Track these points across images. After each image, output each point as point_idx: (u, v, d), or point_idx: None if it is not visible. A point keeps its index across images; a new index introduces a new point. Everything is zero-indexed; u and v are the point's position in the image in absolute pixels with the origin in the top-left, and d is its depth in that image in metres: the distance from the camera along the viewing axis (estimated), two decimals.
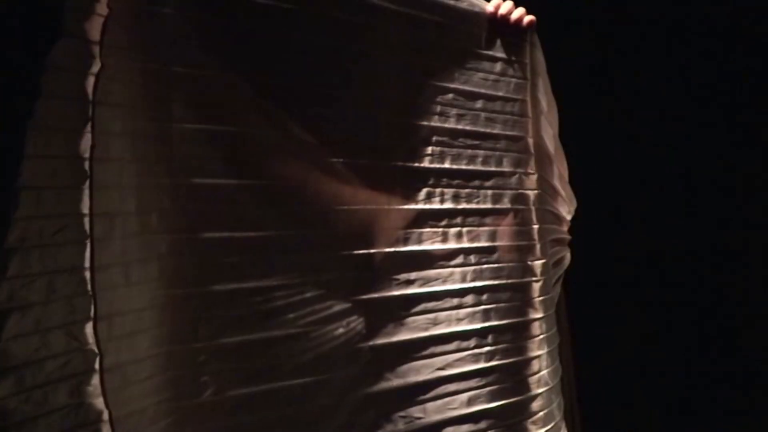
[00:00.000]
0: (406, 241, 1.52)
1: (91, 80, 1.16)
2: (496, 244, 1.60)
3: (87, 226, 1.17)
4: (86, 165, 1.17)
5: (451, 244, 1.56)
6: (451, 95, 1.55)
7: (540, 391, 1.62)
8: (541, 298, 1.65)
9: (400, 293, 1.50)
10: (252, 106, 1.35)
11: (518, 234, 1.63)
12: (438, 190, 1.54)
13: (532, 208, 1.64)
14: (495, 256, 1.59)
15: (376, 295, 1.48)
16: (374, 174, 1.48)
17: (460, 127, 1.56)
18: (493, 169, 1.60)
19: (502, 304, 1.59)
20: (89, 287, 1.16)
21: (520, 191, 1.63)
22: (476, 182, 1.58)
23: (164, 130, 1.26)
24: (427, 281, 1.54)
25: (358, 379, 1.46)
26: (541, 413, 1.62)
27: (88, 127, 1.17)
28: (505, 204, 1.61)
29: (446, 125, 1.55)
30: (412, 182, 1.52)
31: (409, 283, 1.52)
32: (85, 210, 1.17)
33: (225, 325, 1.32)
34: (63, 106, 1.16)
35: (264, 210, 1.36)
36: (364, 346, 1.47)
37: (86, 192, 1.17)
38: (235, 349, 1.32)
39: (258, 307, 1.35)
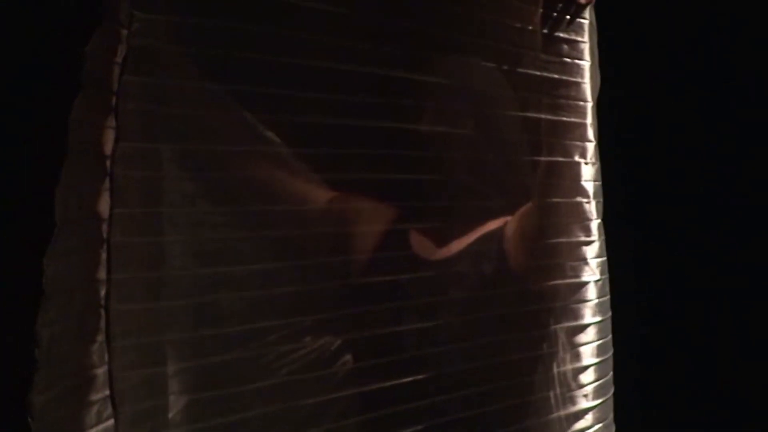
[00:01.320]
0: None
1: None
2: (561, 240, 1.47)
3: None
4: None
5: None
6: (519, 80, 1.43)
7: None
8: (598, 300, 1.53)
9: (465, 295, 1.41)
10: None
11: (578, 229, 1.50)
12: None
13: (593, 201, 1.51)
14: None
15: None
16: None
17: (527, 114, 1.44)
18: (555, 158, 1.46)
19: (559, 304, 1.48)
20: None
21: (586, 182, 1.49)
22: (542, 174, 1.45)
23: None
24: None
25: None
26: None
27: None
28: (572, 196, 1.48)
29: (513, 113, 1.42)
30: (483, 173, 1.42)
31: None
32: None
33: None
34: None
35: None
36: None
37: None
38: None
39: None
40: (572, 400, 1.48)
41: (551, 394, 1.45)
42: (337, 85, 1.20)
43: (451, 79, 1.37)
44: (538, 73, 1.44)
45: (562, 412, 1.46)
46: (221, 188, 1.23)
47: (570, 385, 1.47)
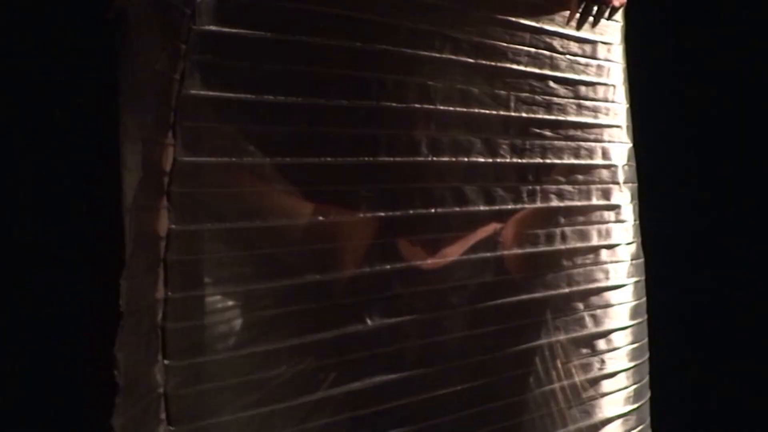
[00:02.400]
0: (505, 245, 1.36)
1: None
2: (600, 243, 1.46)
3: None
4: None
5: (556, 246, 1.41)
6: (544, 83, 1.40)
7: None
8: (637, 302, 1.53)
9: (514, 299, 1.37)
10: None
11: (619, 231, 1.49)
12: (536, 187, 1.39)
13: (631, 204, 1.51)
14: (598, 257, 1.46)
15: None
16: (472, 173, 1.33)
17: (566, 118, 1.41)
18: (594, 162, 1.46)
19: (617, 306, 1.48)
20: None
21: (622, 184, 1.49)
22: (577, 178, 1.43)
23: None
24: (532, 288, 1.41)
25: None
26: None
27: None
28: (609, 199, 1.48)
29: (538, 116, 1.39)
30: (507, 179, 1.37)
31: (509, 289, 1.38)
32: None
33: None
34: None
35: None
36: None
37: None
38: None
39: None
40: (592, 409, 1.46)
41: (554, 408, 1.43)
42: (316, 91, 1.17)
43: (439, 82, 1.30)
44: (575, 76, 1.43)
45: (582, 424, 1.45)
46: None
47: (581, 395, 1.45)
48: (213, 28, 1.06)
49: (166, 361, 1.05)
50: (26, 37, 1.95)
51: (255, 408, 1.13)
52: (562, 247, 1.42)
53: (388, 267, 1.23)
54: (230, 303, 1.13)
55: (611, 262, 1.49)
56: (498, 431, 1.36)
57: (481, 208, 1.33)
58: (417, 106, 1.24)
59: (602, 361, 1.47)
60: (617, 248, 1.50)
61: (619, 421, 1.49)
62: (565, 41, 1.42)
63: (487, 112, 1.32)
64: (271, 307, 1.14)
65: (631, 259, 1.51)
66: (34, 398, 2.01)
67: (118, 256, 1.71)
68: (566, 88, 1.42)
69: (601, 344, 1.47)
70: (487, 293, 1.35)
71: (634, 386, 1.52)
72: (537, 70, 1.38)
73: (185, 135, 1.05)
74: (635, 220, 1.53)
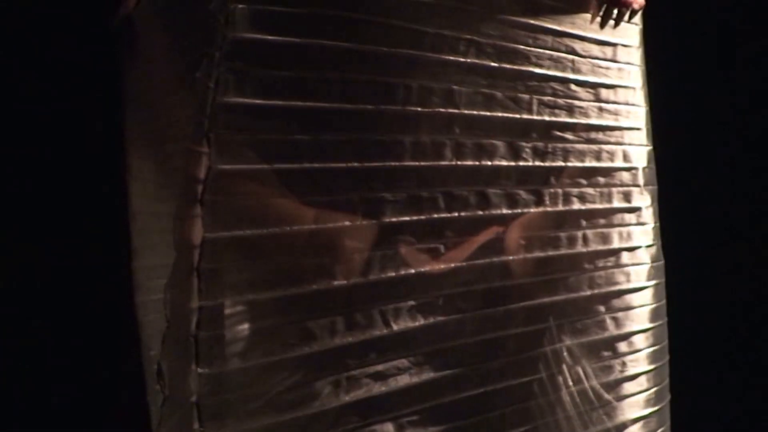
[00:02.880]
0: (530, 249, 1.36)
1: None
2: (621, 246, 1.46)
3: None
4: None
5: (577, 249, 1.41)
6: (566, 86, 1.39)
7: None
8: (657, 305, 1.53)
9: (535, 303, 1.37)
10: None
11: (640, 234, 1.49)
12: (558, 190, 1.39)
13: (651, 207, 1.52)
14: (619, 260, 1.46)
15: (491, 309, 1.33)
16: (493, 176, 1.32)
17: (586, 121, 1.41)
18: (615, 164, 1.46)
19: (637, 309, 1.49)
20: None
21: (643, 187, 1.49)
22: (599, 180, 1.43)
23: None
24: (554, 291, 1.41)
25: None
26: None
27: None
28: (630, 202, 1.48)
29: (560, 119, 1.39)
30: (529, 182, 1.36)
31: (539, 291, 1.39)
32: None
33: None
34: None
35: None
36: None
37: None
38: None
39: None
40: (613, 411, 1.46)
41: (575, 411, 1.43)
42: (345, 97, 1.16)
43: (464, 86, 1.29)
44: (596, 79, 1.43)
45: (602, 427, 1.44)
46: None
47: (603, 397, 1.45)
48: (248, 35, 1.06)
49: (199, 370, 1.04)
50: (31, 45, 1.97)
51: (286, 414, 1.13)
52: (584, 249, 1.42)
53: (413, 272, 1.22)
54: (261, 311, 1.12)
55: (632, 264, 1.49)
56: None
57: (504, 211, 1.32)
58: (441, 110, 1.24)
59: (623, 364, 1.47)
60: (638, 251, 1.50)
61: (639, 424, 1.49)
62: (586, 44, 1.42)
63: (510, 115, 1.32)
64: (300, 315, 1.14)
65: (652, 262, 1.51)
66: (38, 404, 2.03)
67: (124, 262, 1.73)
68: (587, 91, 1.42)
69: (622, 347, 1.47)
70: (508, 296, 1.34)
71: (655, 389, 1.52)
72: (559, 74, 1.38)
73: (219, 143, 1.04)
74: (655, 223, 1.53)
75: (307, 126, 1.12)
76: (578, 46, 1.41)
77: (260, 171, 1.09)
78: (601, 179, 1.45)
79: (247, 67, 1.06)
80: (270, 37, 1.07)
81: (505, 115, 1.32)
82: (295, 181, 1.12)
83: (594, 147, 1.44)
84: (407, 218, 1.22)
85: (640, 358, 1.50)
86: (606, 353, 1.46)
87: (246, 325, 1.10)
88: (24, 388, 2.00)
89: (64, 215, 2.01)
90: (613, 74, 1.46)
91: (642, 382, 1.50)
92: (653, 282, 1.52)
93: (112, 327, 1.92)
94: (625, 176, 1.48)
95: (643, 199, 1.51)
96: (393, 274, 1.21)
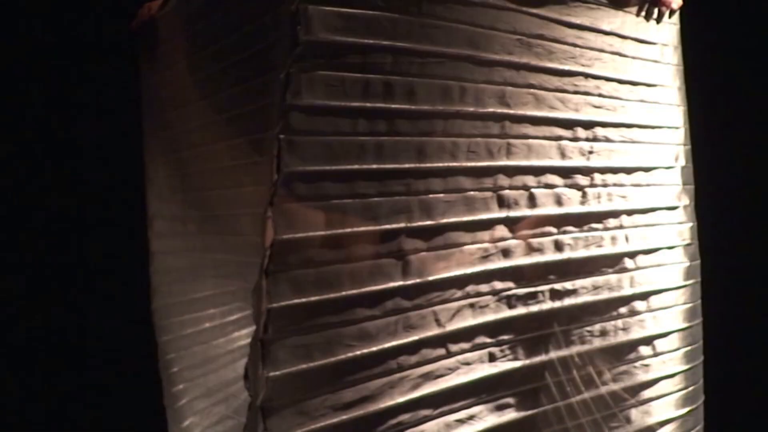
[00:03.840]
0: (571, 247, 1.35)
1: None
2: (661, 245, 1.47)
3: None
4: None
5: (618, 248, 1.41)
6: (610, 85, 1.39)
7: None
8: (694, 304, 1.54)
9: (568, 304, 1.36)
10: None
11: (679, 233, 1.50)
12: (602, 189, 1.39)
13: (690, 205, 1.52)
14: (658, 258, 1.46)
15: (525, 311, 1.32)
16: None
17: (625, 120, 1.41)
18: (656, 163, 1.47)
19: (674, 308, 1.49)
20: None
21: (680, 186, 1.50)
22: (639, 178, 1.43)
23: None
24: (594, 290, 1.39)
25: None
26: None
27: None
28: (669, 201, 1.48)
29: (604, 118, 1.39)
30: (574, 181, 1.36)
31: (576, 292, 1.37)
32: None
33: None
34: None
35: None
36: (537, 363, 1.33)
37: None
38: None
39: None
40: (651, 409, 1.46)
41: (616, 407, 1.43)
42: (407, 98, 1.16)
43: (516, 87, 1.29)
44: (637, 78, 1.44)
45: (640, 424, 1.44)
46: None
47: (642, 396, 1.45)
48: (321, 37, 1.06)
49: (266, 373, 1.04)
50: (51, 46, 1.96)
51: (344, 414, 1.13)
52: (626, 249, 1.42)
53: (466, 272, 1.23)
54: (327, 311, 1.12)
55: (671, 263, 1.49)
56: (569, 429, 1.37)
57: (551, 210, 1.32)
58: (494, 110, 1.24)
59: (663, 363, 1.48)
60: (676, 249, 1.50)
61: (675, 423, 1.49)
62: (628, 43, 1.42)
63: (557, 115, 1.32)
64: (367, 313, 1.14)
65: (690, 261, 1.52)
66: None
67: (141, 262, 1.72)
68: (630, 90, 1.43)
69: (661, 345, 1.47)
70: (555, 295, 1.35)
71: (690, 388, 1.53)
72: (603, 73, 1.38)
73: (291, 145, 1.05)
74: (693, 222, 1.53)
75: (372, 126, 1.12)
76: (620, 45, 1.41)
77: (334, 171, 1.09)
78: (642, 178, 1.45)
79: (318, 68, 1.06)
80: (340, 39, 1.08)
81: (553, 115, 1.31)
82: (358, 180, 1.12)
83: (635, 146, 1.44)
84: (462, 219, 1.22)
85: (676, 358, 1.50)
86: (646, 352, 1.46)
87: (309, 327, 1.09)
88: (38, 387, 2.01)
89: (84, 217, 2.01)
90: (654, 73, 1.47)
91: (678, 382, 1.50)
92: (691, 281, 1.52)
93: (128, 330, 1.91)
94: (665, 175, 1.49)
95: (682, 197, 1.51)
96: (447, 274, 1.20)
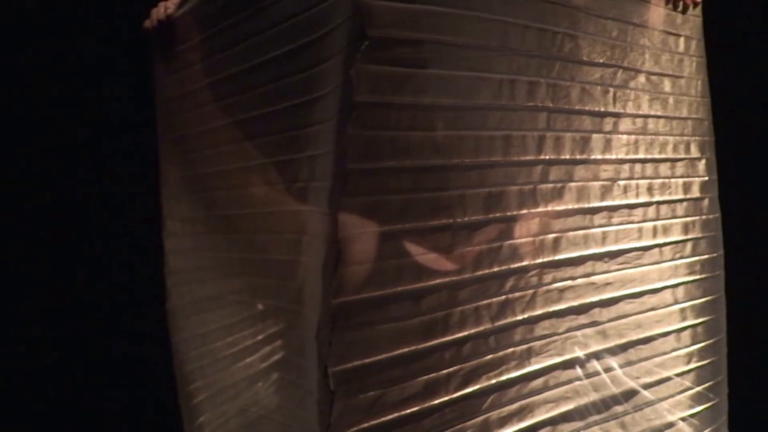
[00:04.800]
0: (603, 240, 1.35)
1: None
2: (687, 237, 1.47)
3: None
4: None
5: (647, 241, 1.41)
6: (642, 76, 1.39)
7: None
8: (717, 296, 1.55)
9: (600, 298, 1.35)
10: None
11: (703, 225, 1.50)
12: (633, 182, 1.39)
13: (713, 197, 1.53)
14: (688, 250, 1.46)
15: (565, 306, 1.31)
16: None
17: (652, 112, 1.41)
18: (682, 156, 1.47)
19: (699, 301, 1.48)
20: None
21: (707, 178, 1.50)
22: (668, 171, 1.44)
23: None
24: (624, 283, 1.38)
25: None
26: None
27: None
28: (695, 193, 1.48)
29: (637, 110, 1.39)
30: (609, 174, 1.36)
31: (607, 286, 1.36)
32: None
33: None
34: None
35: None
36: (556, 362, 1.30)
37: None
38: None
39: None
40: (677, 405, 1.46)
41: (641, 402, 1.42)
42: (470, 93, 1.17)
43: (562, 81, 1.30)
44: (662, 70, 1.44)
45: (662, 421, 1.44)
46: None
47: (659, 393, 1.44)
48: (384, 33, 1.05)
49: (330, 369, 1.04)
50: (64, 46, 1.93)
51: (402, 410, 1.12)
52: (655, 241, 1.42)
53: (519, 265, 1.23)
54: (392, 305, 1.11)
55: (696, 255, 1.50)
56: (604, 420, 1.36)
57: (587, 203, 1.32)
58: (538, 104, 1.23)
59: (690, 356, 1.48)
60: (701, 241, 1.51)
61: (697, 417, 1.50)
62: (657, 35, 1.42)
63: (593, 108, 1.32)
64: (435, 305, 1.14)
65: (714, 252, 1.53)
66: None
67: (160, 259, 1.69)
68: (658, 83, 1.42)
69: (686, 338, 1.48)
70: (592, 287, 1.34)
71: (712, 382, 1.52)
72: (634, 65, 1.37)
73: (356, 142, 1.04)
74: (716, 213, 1.54)
75: (436, 123, 1.12)
76: (650, 37, 1.41)
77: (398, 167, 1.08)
78: (668, 171, 1.45)
79: (380, 63, 1.05)
80: (399, 34, 1.06)
81: (588, 107, 1.31)
82: (426, 175, 1.11)
83: (660, 138, 1.44)
84: (512, 213, 1.21)
85: (702, 350, 1.51)
86: (673, 345, 1.46)
87: (371, 321, 1.09)
88: (54, 388, 1.98)
89: (100, 219, 1.98)
90: (681, 65, 1.47)
91: (700, 375, 1.50)
92: (716, 272, 1.53)
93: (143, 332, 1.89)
94: (689, 167, 1.49)
95: (706, 189, 1.51)
96: (501, 267, 1.20)
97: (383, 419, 1.09)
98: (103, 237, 2.02)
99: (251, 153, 1.39)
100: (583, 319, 1.34)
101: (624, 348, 1.39)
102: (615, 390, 1.38)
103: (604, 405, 1.37)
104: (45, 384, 1.98)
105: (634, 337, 1.40)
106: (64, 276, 1.99)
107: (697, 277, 1.49)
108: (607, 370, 1.37)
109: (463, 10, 1.13)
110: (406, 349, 1.11)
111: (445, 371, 1.15)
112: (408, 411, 1.12)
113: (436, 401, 1.15)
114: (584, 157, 1.31)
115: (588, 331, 1.34)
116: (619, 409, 1.39)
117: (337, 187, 1.04)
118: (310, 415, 1.22)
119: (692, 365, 1.48)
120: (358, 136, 1.03)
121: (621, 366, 1.39)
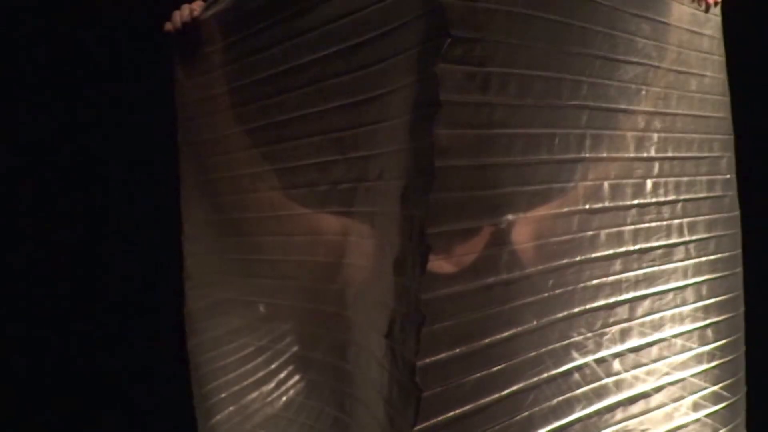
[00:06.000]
0: (635, 238, 1.35)
1: None
2: (712, 234, 1.48)
3: None
4: None
5: (674, 238, 1.42)
6: (671, 75, 1.40)
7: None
8: (737, 294, 1.56)
9: (633, 295, 1.36)
10: None
11: (725, 223, 1.52)
12: (662, 180, 1.39)
13: (734, 195, 1.55)
14: (711, 247, 1.48)
15: (603, 302, 1.32)
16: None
17: (679, 111, 1.42)
18: (706, 154, 1.48)
19: (720, 298, 1.49)
20: None
21: (728, 176, 1.52)
22: (693, 169, 1.45)
23: None
24: (653, 280, 1.39)
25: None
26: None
27: None
28: (717, 191, 1.50)
29: (665, 109, 1.40)
30: (641, 172, 1.37)
31: (637, 283, 1.37)
32: None
33: None
34: None
35: None
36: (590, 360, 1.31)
37: None
38: None
39: None
40: (697, 405, 1.47)
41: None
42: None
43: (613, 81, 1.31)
44: (687, 68, 1.44)
45: (682, 420, 1.45)
46: None
47: (681, 392, 1.45)
48: (462, 33, 1.04)
49: (418, 363, 1.03)
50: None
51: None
52: (682, 239, 1.43)
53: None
54: (479, 297, 1.12)
55: (718, 252, 1.51)
56: (633, 416, 1.37)
57: (622, 201, 1.33)
58: (580, 103, 1.24)
59: (712, 353, 1.49)
60: (723, 238, 1.52)
61: (716, 415, 1.51)
62: (683, 33, 1.43)
63: (626, 106, 1.33)
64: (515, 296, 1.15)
65: (734, 250, 1.54)
66: None
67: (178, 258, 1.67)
68: (683, 82, 1.44)
69: (709, 335, 1.49)
70: (624, 287, 1.34)
71: (733, 379, 1.54)
72: (664, 64, 1.39)
73: (441, 139, 1.03)
74: (736, 211, 1.56)
75: (515, 119, 1.14)
76: (678, 36, 1.42)
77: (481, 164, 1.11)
78: (693, 168, 1.46)
79: (459, 63, 1.05)
80: (476, 34, 1.06)
81: (622, 106, 1.31)
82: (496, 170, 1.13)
83: (687, 136, 1.45)
84: (566, 210, 1.24)
85: (723, 347, 1.52)
86: (696, 343, 1.47)
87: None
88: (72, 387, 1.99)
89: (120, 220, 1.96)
90: (706, 64, 1.48)
91: (721, 373, 1.51)
92: (736, 270, 1.55)
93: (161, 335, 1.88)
94: (714, 165, 1.50)
95: (727, 187, 1.53)
96: (545, 265, 1.22)
97: (450, 414, 1.09)
98: (125, 240, 1.99)
99: (282, 156, 1.37)
100: (615, 317, 1.34)
101: (651, 345, 1.40)
102: (643, 387, 1.39)
103: (631, 402, 1.38)
104: (62, 386, 1.95)
105: (660, 335, 1.41)
106: (88, 279, 1.97)
107: (720, 274, 1.51)
108: (636, 367, 1.38)
109: (528, 10, 1.13)
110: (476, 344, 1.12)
111: (496, 368, 1.15)
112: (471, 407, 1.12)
113: (488, 398, 1.14)
114: (619, 155, 1.32)
115: (619, 328, 1.35)
116: (646, 405, 1.40)
117: (422, 185, 1.03)
118: (358, 418, 1.21)
119: (714, 362, 1.49)
120: (443, 134, 1.03)
121: (648, 363, 1.40)
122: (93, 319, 2.01)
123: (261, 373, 1.59)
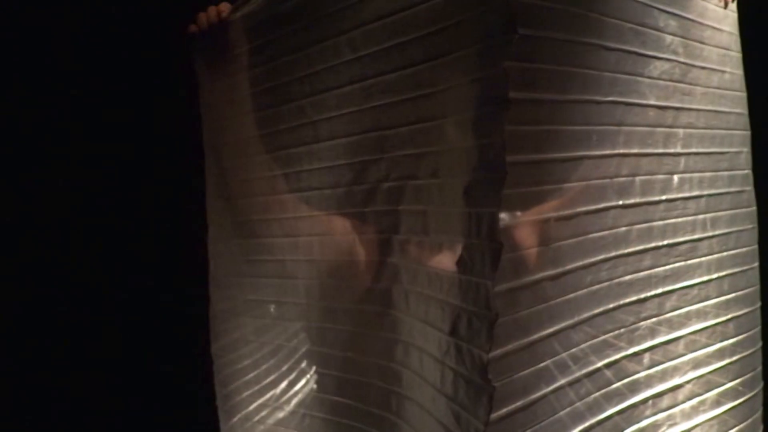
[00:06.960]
0: (664, 233, 1.36)
1: None
2: (733, 229, 1.49)
3: None
4: None
5: (698, 234, 1.43)
6: (695, 71, 1.41)
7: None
8: (755, 288, 1.57)
9: (662, 290, 1.36)
10: None
11: (745, 217, 1.53)
12: (687, 175, 1.40)
13: (752, 189, 1.56)
14: (732, 242, 1.49)
15: (634, 297, 1.33)
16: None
17: (702, 106, 1.43)
18: (727, 149, 1.49)
19: (740, 293, 1.51)
20: None
21: (746, 171, 1.54)
22: (715, 164, 1.46)
23: None
24: (679, 276, 1.40)
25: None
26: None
27: None
28: (737, 186, 1.51)
29: (691, 105, 1.40)
30: (669, 167, 1.37)
31: (666, 278, 1.37)
32: None
33: None
34: None
35: None
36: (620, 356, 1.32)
37: None
38: None
39: None
40: (716, 401, 1.48)
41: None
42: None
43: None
44: (709, 65, 1.45)
45: (700, 418, 1.45)
46: None
47: (702, 388, 1.46)
48: (527, 31, 1.05)
49: (488, 356, 1.04)
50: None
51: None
52: (705, 234, 1.44)
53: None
54: (528, 293, 1.13)
55: (738, 247, 1.52)
56: (660, 410, 1.38)
57: (652, 197, 1.34)
58: (613, 99, 1.25)
59: (733, 348, 1.50)
60: (743, 233, 1.53)
61: (734, 411, 1.52)
62: (707, 30, 1.43)
63: (655, 102, 1.33)
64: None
65: (753, 245, 1.56)
66: None
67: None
68: (708, 76, 1.44)
69: (730, 330, 1.50)
70: (653, 282, 1.35)
71: (751, 374, 1.56)
72: (689, 60, 1.39)
73: (510, 136, 1.03)
74: (753, 206, 1.57)
75: (573, 118, 1.17)
76: (701, 32, 1.42)
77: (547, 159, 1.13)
78: (714, 164, 1.47)
79: (524, 60, 1.06)
80: (542, 34, 1.08)
81: (652, 102, 1.31)
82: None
83: (709, 132, 1.46)
84: (602, 205, 1.24)
85: (743, 342, 1.53)
86: (714, 339, 1.48)
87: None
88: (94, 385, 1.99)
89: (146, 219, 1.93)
90: (726, 60, 1.49)
91: (741, 367, 1.53)
92: (753, 264, 1.56)
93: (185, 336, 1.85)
94: (731, 160, 1.51)
95: (745, 182, 1.54)
96: (584, 261, 1.23)
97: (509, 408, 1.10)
98: (155, 240, 1.96)
99: (319, 155, 1.36)
100: (645, 312, 1.35)
101: (678, 340, 1.41)
102: (671, 383, 1.40)
103: (660, 397, 1.39)
104: (88, 388, 1.95)
105: (686, 330, 1.42)
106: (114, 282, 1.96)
107: (740, 269, 1.52)
108: (664, 362, 1.38)
109: (571, 6, 1.14)
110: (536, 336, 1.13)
111: (542, 364, 1.16)
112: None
113: (535, 395, 1.15)
114: (649, 150, 1.32)
115: (649, 323, 1.35)
116: (674, 400, 1.41)
117: (493, 182, 1.02)
118: (408, 417, 1.20)
119: (736, 357, 1.51)
120: (512, 131, 1.03)
121: (675, 358, 1.40)
122: (118, 321, 1.98)
123: (293, 375, 1.57)
